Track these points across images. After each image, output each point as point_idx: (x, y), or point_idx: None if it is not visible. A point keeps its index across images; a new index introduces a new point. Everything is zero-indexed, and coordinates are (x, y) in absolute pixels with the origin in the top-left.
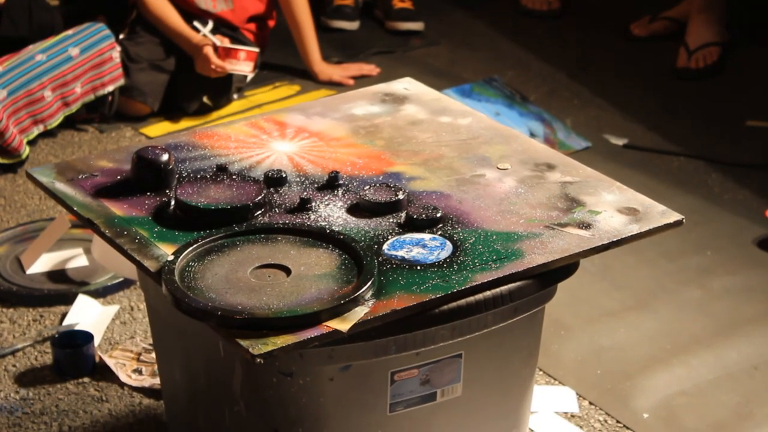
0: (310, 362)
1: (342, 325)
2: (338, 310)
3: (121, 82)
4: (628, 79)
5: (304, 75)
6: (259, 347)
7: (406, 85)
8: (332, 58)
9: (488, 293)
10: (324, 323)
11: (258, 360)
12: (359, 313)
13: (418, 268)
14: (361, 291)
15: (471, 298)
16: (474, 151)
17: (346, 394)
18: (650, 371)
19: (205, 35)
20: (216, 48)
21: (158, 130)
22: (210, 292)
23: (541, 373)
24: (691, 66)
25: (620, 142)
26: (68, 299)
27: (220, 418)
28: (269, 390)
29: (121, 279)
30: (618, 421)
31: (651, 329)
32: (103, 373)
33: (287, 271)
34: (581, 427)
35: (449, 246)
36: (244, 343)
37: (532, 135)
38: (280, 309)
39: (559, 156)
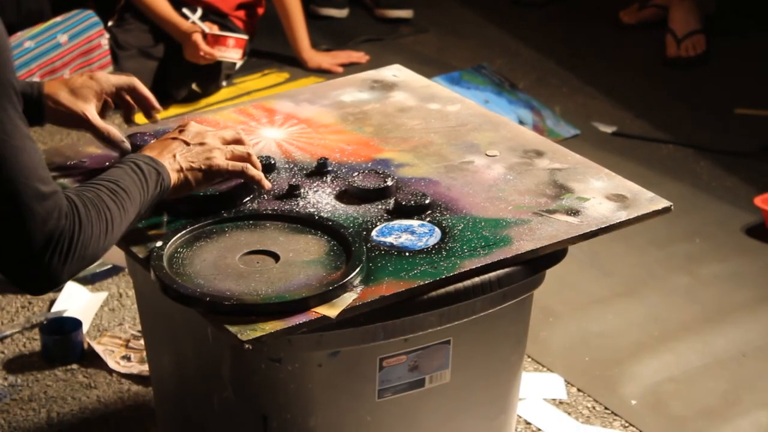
0: (298, 348)
1: (330, 311)
2: (327, 296)
3: (110, 69)
4: (617, 66)
5: (293, 62)
6: (247, 333)
7: (394, 72)
8: (321, 46)
9: (476, 279)
10: (312, 309)
11: (246, 346)
12: (348, 299)
13: (407, 254)
14: (349, 277)
15: (459, 285)
16: (463, 137)
17: (335, 380)
18: (638, 358)
19: (194, 22)
20: (205, 35)
21: None
22: (198, 278)
23: (529, 360)
24: (681, 55)
25: (609, 129)
26: None
27: (209, 404)
28: (258, 376)
29: (109, 266)
30: (606, 408)
31: (639, 316)
32: (92, 360)
33: (276, 257)
34: (569, 414)
35: (438, 232)
36: (232, 329)
37: (521, 122)
38: (268, 295)
39: (547, 143)
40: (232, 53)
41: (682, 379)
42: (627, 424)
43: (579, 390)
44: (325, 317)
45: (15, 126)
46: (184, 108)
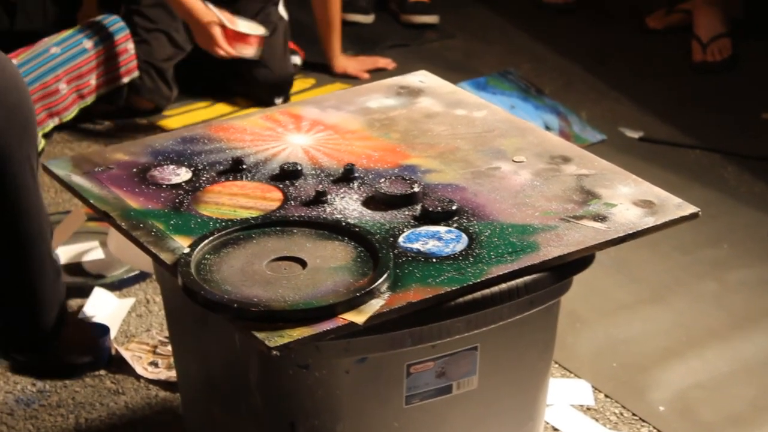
0: (326, 354)
1: (358, 317)
2: (354, 302)
3: (136, 74)
4: (643, 71)
5: (318, 68)
6: (275, 340)
7: (421, 77)
8: (347, 52)
9: (504, 286)
10: (340, 316)
11: (274, 353)
12: (375, 305)
13: (434, 260)
14: (376, 283)
15: (486, 291)
16: (489, 143)
17: (362, 386)
18: (666, 364)
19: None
20: (224, 28)
21: (175, 122)
22: (226, 284)
23: (556, 365)
24: (708, 59)
25: (635, 134)
26: (84, 292)
27: (236, 411)
28: (285, 382)
29: (137, 272)
30: (634, 414)
31: (667, 322)
32: (120, 366)
33: (303, 263)
34: (597, 420)
35: (465, 238)
36: (260, 335)
37: (548, 128)
38: (296, 301)
39: (574, 149)
40: (249, 50)
41: (710, 385)
42: (655, 430)
43: (606, 396)
44: (352, 324)
45: None
46: (212, 113)
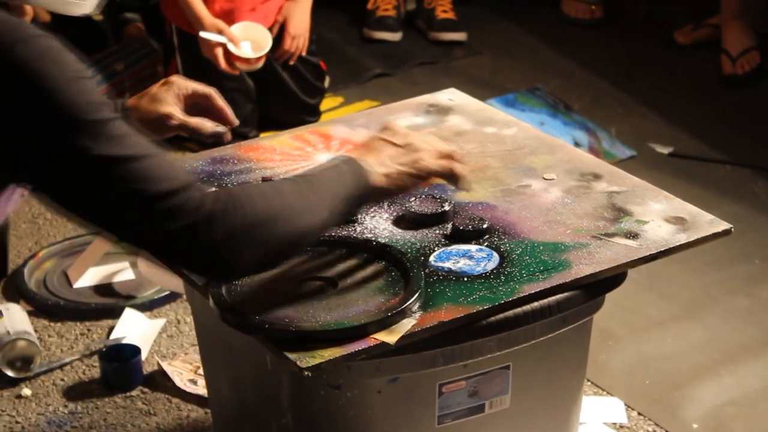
0: (357, 375)
1: (389, 337)
2: (385, 322)
3: None
4: (672, 86)
5: (346, 86)
6: (306, 360)
7: (450, 95)
8: (375, 70)
9: (536, 304)
10: (371, 336)
11: (306, 373)
12: (406, 325)
13: (465, 279)
14: (408, 303)
15: (518, 310)
16: (519, 161)
17: (394, 406)
18: (699, 381)
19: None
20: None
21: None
22: (257, 304)
23: (589, 383)
24: (737, 72)
25: (665, 150)
26: (115, 313)
27: (268, 430)
28: (317, 403)
29: (167, 292)
30: None
31: (699, 339)
32: (151, 387)
33: (334, 283)
34: None
35: (496, 257)
36: (291, 356)
37: (577, 144)
38: (327, 322)
39: (605, 165)
40: (251, 68)
41: (743, 402)
42: None
43: (639, 414)
44: (384, 343)
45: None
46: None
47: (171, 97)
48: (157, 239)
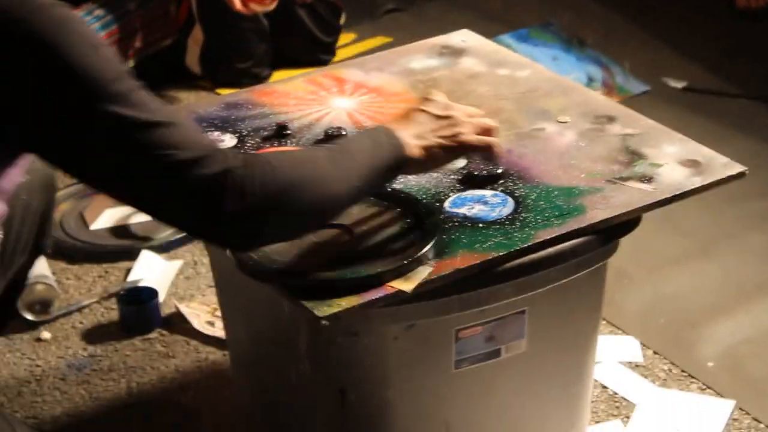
0: (374, 322)
1: (406, 285)
2: (402, 270)
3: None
4: (686, 19)
5: (359, 22)
6: (323, 309)
7: (463, 37)
8: (387, 5)
9: (551, 250)
10: (388, 284)
11: (323, 322)
12: (423, 272)
13: (480, 225)
14: (424, 251)
15: (534, 255)
16: (533, 104)
17: (411, 352)
18: (715, 319)
19: None
20: None
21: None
22: (274, 253)
23: (604, 322)
24: (751, 5)
25: (679, 84)
26: (132, 255)
27: (286, 376)
28: (334, 350)
29: (183, 234)
30: (683, 370)
31: (715, 277)
32: (170, 329)
33: (350, 231)
34: (646, 377)
35: (511, 202)
36: (308, 305)
37: (591, 80)
38: (343, 270)
39: (619, 108)
40: (267, 7)
41: (759, 340)
42: (704, 387)
43: (655, 353)
44: (400, 292)
45: (146, 105)
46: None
47: None
48: (181, 207)
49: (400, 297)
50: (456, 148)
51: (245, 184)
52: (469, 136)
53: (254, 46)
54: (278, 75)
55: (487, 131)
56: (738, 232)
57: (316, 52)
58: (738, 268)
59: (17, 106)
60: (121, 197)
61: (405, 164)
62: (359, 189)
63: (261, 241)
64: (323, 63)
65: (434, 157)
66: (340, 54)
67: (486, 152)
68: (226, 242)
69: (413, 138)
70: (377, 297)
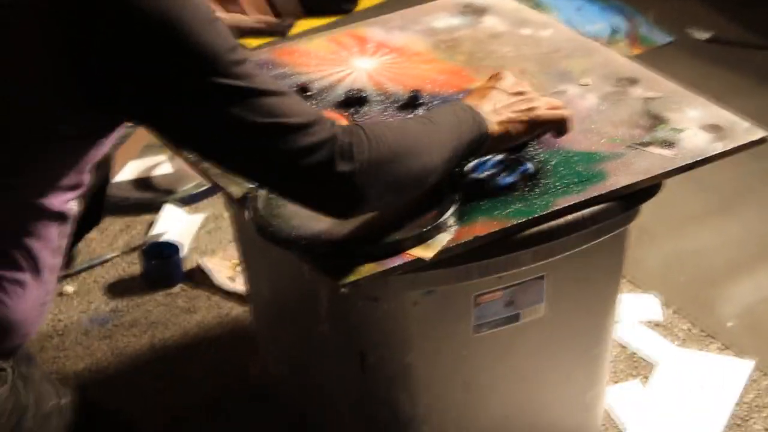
0: (394, 288)
1: (425, 252)
2: (421, 237)
3: None
4: None
5: None
6: (343, 276)
7: None
8: None
9: (570, 217)
10: (407, 251)
11: (343, 289)
12: (442, 240)
13: (501, 191)
14: (443, 218)
15: (553, 223)
16: (555, 65)
17: (431, 317)
18: (735, 277)
19: None
20: None
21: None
22: (294, 219)
23: (625, 281)
24: None
25: (703, 36)
26: (154, 208)
27: (306, 336)
28: (354, 314)
29: (207, 186)
30: (702, 330)
31: (736, 233)
32: (192, 283)
33: None
34: (665, 337)
35: (531, 168)
36: (328, 271)
37: (614, 30)
38: (363, 237)
39: (641, 70)
40: None
41: None
42: (723, 347)
43: (675, 312)
44: (420, 259)
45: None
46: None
47: None
48: (291, 173)
49: (419, 264)
50: (532, 123)
51: (353, 151)
52: (544, 111)
53: None
54: (301, 26)
55: (556, 107)
56: (760, 187)
57: (338, 1)
58: (760, 225)
59: (136, 79)
60: (231, 165)
61: (486, 139)
62: (450, 162)
63: (363, 208)
64: (345, 12)
65: (512, 132)
66: (363, 2)
67: (560, 126)
68: (332, 207)
69: (491, 114)
70: (397, 264)
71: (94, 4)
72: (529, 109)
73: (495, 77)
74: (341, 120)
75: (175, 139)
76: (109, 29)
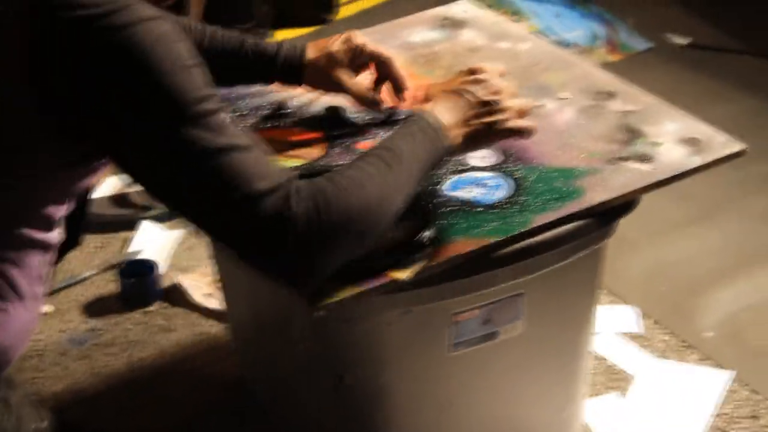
0: (370, 309)
1: (402, 274)
2: (398, 258)
3: None
4: None
5: None
6: (319, 298)
7: (464, 7)
8: None
9: (549, 234)
10: (384, 272)
11: (319, 312)
12: (419, 260)
13: (479, 209)
14: (421, 237)
15: (531, 240)
16: (535, 78)
17: (408, 336)
18: (715, 286)
19: None
20: None
21: None
22: None
23: (604, 292)
24: None
25: (683, 41)
26: (132, 225)
27: (284, 356)
28: (330, 334)
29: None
30: (682, 341)
31: (716, 242)
32: (170, 301)
33: None
34: (644, 348)
35: (509, 185)
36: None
37: (594, 37)
38: None
39: (619, 83)
40: None
41: (759, 307)
42: (703, 357)
43: (655, 322)
44: (397, 280)
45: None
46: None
47: (347, 59)
48: (245, 236)
49: (396, 285)
50: (496, 135)
51: (312, 218)
52: (510, 122)
53: (256, 7)
54: (279, 35)
55: (525, 113)
56: (740, 195)
57: (316, 11)
58: (739, 233)
59: (102, 110)
60: (185, 213)
61: (448, 153)
62: (412, 192)
63: (322, 273)
64: (324, 22)
65: (474, 143)
66: (342, 12)
67: (521, 137)
68: (286, 277)
69: (456, 126)
70: (374, 286)
71: (62, 33)
72: (495, 122)
73: (473, 72)
74: (299, 182)
75: (135, 179)
76: (75, 59)
